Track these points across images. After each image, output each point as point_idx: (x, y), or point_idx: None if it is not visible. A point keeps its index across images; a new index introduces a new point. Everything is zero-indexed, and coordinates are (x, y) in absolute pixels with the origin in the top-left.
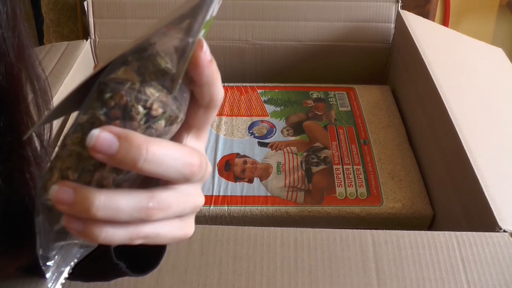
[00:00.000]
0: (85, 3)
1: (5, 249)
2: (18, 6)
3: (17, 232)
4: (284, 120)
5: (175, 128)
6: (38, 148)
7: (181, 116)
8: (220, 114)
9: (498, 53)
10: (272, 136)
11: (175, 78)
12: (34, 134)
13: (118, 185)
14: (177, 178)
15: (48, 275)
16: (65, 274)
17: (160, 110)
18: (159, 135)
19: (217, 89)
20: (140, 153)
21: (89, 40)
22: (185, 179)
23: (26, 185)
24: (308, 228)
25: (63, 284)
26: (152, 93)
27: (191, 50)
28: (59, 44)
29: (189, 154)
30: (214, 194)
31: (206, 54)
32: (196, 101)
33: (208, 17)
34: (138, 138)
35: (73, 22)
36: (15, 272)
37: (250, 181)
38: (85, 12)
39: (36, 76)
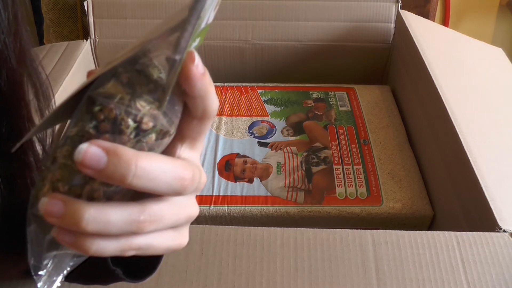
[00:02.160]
0: (85, 3)
1: (7, 253)
2: (20, 11)
3: (19, 236)
4: (284, 120)
5: (166, 141)
6: (40, 153)
7: (172, 129)
8: (220, 114)
9: (498, 53)
10: (272, 136)
11: (164, 93)
12: (36, 139)
13: (109, 198)
14: (168, 192)
15: (39, 285)
16: (58, 283)
17: (151, 124)
18: (150, 149)
19: (211, 101)
20: (129, 168)
21: (89, 40)
22: (177, 193)
23: (28, 191)
24: (308, 228)
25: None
26: (143, 106)
27: (179, 66)
28: (59, 44)
29: (181, 168)
30: (214, 194)
31: (198, 67)
32: (189, 112)
33: (203, 25)
34: (127, 152)
35: (73, 22)
36: (18, 274)
37: (250, 181)
38: (85, 12)
39: (38, 81)
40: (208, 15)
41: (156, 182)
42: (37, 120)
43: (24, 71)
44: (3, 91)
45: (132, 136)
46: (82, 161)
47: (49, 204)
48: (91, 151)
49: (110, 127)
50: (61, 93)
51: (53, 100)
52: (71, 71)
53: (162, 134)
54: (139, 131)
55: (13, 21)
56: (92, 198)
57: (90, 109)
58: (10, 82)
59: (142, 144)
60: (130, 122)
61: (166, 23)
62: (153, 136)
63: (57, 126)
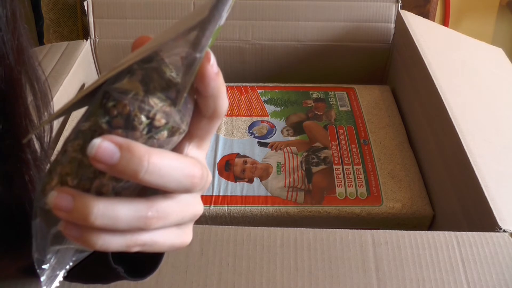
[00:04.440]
0: (85, 3)
1: (5, 251)
2: (18, 8)
3: (17, 234)
4: (284, 120)
5: (177, 138)
6: (38, 150)
7: (184, 127)
8: None
9: (498, 53)
10: (272, 136)
11: (180, 91)
12: (33, 136)
13: (117, 193)
14: (178, 189)
15: (42, 278)
16: (60, 278)
17: (163, 121)
18: (161, 146)
19: (222, 101)
20: (141, 164)
21: (89, 40)
22: (186, 190)
23: (25, 188)
24: (308, 228)
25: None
26: (156, 103)
27: (198, 64)
28: (59, 44)
29: (191, 166)
30: (214, 194)
31: (213, 67)
32: (200, 111)
33: (216, 28)
34: (140, 148)
35: (73, 22)
36: (16, 273)
37: (250, 181)
38: (85, 12)
39: (36, 78)
40: (223, 16)
41: (167, 179)
42: (34, 117)
43: (22, 69)
44: (0, 88)
45: (144, 132)
46: (95, 155)
47: (58, 198)
48: (104, 146)
49: (123, 123)
50: (61, 93)
51: (50, 97)
52: (71, 71)
53: (173, 131)
54: (152, 128)
55: (11, 18)
56: (100, 193)
57: (104, 104)
58: (7, 79)
59: (154, 140)
60: (143, 118)
61: (178, 26)
62: (165, 133)
63: (55, 126)
